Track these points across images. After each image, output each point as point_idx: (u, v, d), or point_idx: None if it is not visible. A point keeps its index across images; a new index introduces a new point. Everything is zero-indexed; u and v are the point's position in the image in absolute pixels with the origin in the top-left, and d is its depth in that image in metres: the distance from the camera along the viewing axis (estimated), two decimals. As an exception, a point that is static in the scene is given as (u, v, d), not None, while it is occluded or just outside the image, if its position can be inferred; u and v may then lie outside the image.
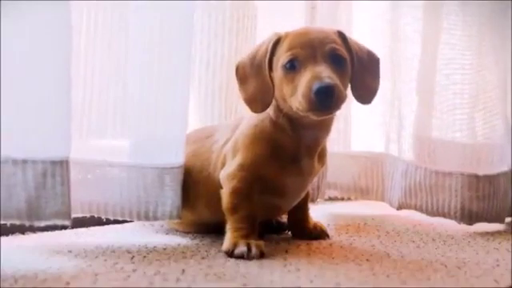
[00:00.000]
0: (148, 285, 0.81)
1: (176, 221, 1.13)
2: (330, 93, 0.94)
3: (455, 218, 1.31)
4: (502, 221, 1.35)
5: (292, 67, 0.99)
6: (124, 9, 1.08)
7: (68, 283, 0.81)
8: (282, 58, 1.00)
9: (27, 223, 0.92)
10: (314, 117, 0.98)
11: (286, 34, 1.02)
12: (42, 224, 0.93)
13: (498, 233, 1.29)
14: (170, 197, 1.07)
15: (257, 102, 1.04)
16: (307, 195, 1.16)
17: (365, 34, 1.44)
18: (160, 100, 1.07)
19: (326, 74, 0.95)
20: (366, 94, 1.06)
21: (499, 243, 1.17)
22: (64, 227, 1.15)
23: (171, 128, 1.08)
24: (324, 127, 1.05)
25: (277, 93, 1.03)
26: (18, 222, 0.92)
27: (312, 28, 1.09)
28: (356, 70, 1.03)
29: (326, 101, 0.94)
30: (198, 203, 1.11)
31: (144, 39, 1.06)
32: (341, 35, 1.04)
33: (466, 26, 1.37)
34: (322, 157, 1.10)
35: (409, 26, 1.38)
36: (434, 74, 1.36)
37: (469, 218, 1.31)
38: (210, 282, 0.83)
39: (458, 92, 1.36)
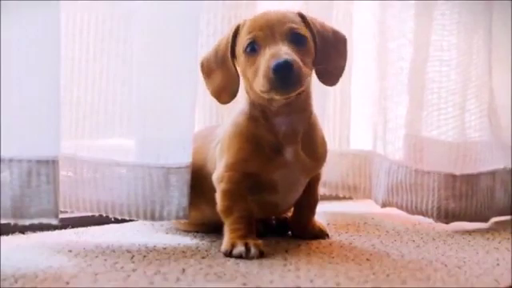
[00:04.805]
0: (148, 284, 0.81)
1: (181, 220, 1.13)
2: (288, 69, 0.94)
3: (432, 217, 1.31)
4: (485, 220, 1.35)
5: (252, 50, 1.00)
6: (129, 9, 1.08)
7: (68, 283, 0.81)
8: (242, 43, 1.01)
9: (12, 222, 0.92)
10: (277, 97, 0.98)
11: (245, 21, 1.03)
12: (27, 223, 0.93)
13: (498, 232, 1.28)
14: (176, 197, 1.07)
15: (224, 92, 1.05)
16: (315, 197, 1.15)
17: (354, 33, 1.45)
18: (166, 100, 1.07)
19: (283, 51, 0.95)
20: (330, 74, 1.06)
21: (499, 242, 1.17)
22: (63, 226, 1.15)
23: (177, 128, 1.08)
24: (297, 111, 1.04)
25: (244, 81, 1.03)
26: (3, 221, 0.92)
27: (270, 10, 1.07)
28: (320, 49, 1.03)
29: (285, 78, 0.94)
30: (200, 201, 1.10)
31: (149, 39, 1.06)
32: (300, 15, 1.04)
33: (456, 24, 1.36)
34: (314, 151, 1.07)
35: (399, 25, 1.38)
36: (423, 73, 1.35)
37: (445, 216, 1.31)
38: (209, 282, 0.83)
39: (445, 90, 1.35)
